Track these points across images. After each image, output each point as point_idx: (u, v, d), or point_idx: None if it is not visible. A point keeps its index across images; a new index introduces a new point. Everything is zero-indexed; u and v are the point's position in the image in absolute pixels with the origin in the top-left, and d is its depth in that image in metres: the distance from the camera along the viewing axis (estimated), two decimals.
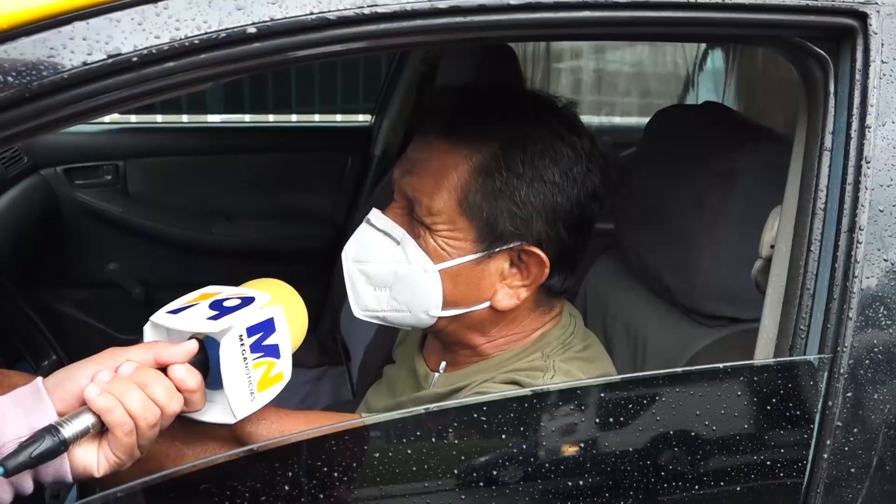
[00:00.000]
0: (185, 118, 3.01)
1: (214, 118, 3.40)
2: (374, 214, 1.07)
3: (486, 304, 1.04)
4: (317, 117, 3.70)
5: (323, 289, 2.33)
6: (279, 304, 0.83)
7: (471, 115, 1.03)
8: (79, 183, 2.28)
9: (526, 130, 1.01)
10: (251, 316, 0.80)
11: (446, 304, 1.03)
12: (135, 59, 0.65)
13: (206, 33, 0.66)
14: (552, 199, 1.00)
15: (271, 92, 3.60)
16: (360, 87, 3.51)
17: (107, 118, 2.45)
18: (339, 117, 3.76)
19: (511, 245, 1.01)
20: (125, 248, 2.34)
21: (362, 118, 2.68)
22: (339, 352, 2.04)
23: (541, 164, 1.00)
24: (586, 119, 2.80)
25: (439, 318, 1.05)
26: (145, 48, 0.65)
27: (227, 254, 2.38)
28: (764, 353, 0.89)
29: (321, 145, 2.58)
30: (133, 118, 2.72)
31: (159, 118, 2.95)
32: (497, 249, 1.01)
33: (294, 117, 3.60)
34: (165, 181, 2.38)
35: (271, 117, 3.60)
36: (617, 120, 2.78)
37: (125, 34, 0.65)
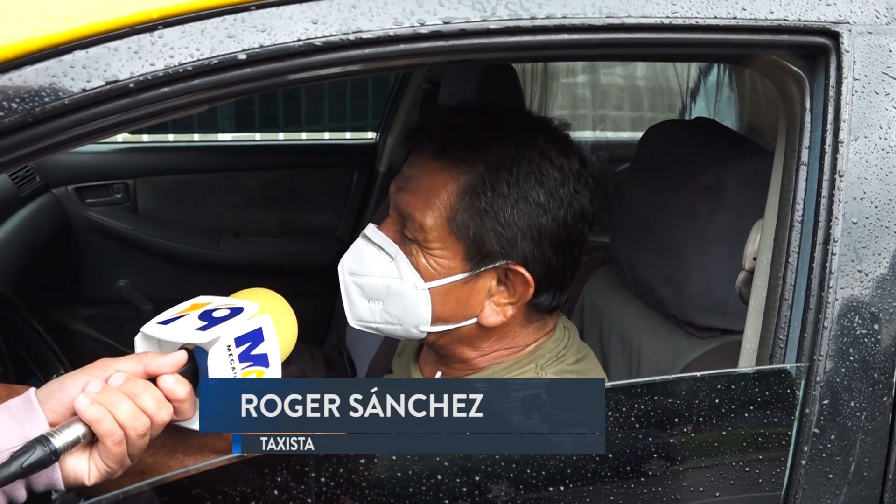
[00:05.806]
0: (196, 137, 3.06)
1: (226, 137, 3.45)
2: (370, 229, 1.10)
3: (474, 320, 1.06)
4: (326, 135, 3.75)
5: (329, 304, 2.36)
6: (268, 313, 0.85)
7: (460, 136, 1.04)
8: (90, 201, 2.33)
9: (513, 152, 1.02)
10: (239, 326, 0.82)
11: (435, 320, 1.06)
12: (131, 85, 0.69)
13: (199, 60, 0.70)
14: (537, 219, 1.02)
15: (281, 111, 3.65)
16: (368, 104, 3.56)
17: (118, 137, 2.51)
18: (348, 135, 3.81)
19: (497, 264, 1.03)
20: (135, 265, 2.38)
21: (371, 135, 2.73)
22: (345, 366, 2.06)
23: (526, 185, 1.01)
24: (585, 134, 2.81)
25: (429, 332, 1.07)
26: (141, 75, 0.69)
27: (235, 270, 2.42)
28: (747, 363, 0.91)
29: (327, 162, 2.62)
30: (146, 137, 2.77)
31: (171, 137, 2.99)
32: (484, 268, 1.03)
33: (304, 135, 3.65)
34: (174, 199, 2.43)
35: (281, 135, 3.66)
36: (613, 135, 2.80)
37: (122, 62, 0.68)
